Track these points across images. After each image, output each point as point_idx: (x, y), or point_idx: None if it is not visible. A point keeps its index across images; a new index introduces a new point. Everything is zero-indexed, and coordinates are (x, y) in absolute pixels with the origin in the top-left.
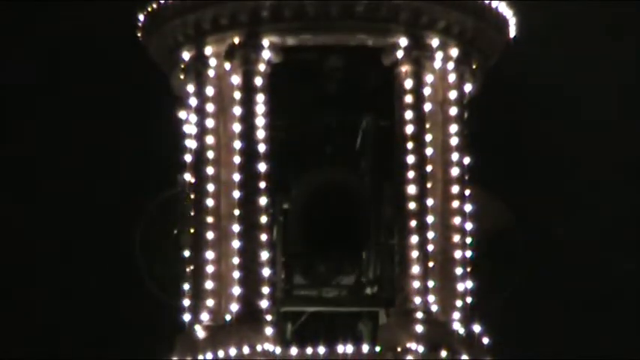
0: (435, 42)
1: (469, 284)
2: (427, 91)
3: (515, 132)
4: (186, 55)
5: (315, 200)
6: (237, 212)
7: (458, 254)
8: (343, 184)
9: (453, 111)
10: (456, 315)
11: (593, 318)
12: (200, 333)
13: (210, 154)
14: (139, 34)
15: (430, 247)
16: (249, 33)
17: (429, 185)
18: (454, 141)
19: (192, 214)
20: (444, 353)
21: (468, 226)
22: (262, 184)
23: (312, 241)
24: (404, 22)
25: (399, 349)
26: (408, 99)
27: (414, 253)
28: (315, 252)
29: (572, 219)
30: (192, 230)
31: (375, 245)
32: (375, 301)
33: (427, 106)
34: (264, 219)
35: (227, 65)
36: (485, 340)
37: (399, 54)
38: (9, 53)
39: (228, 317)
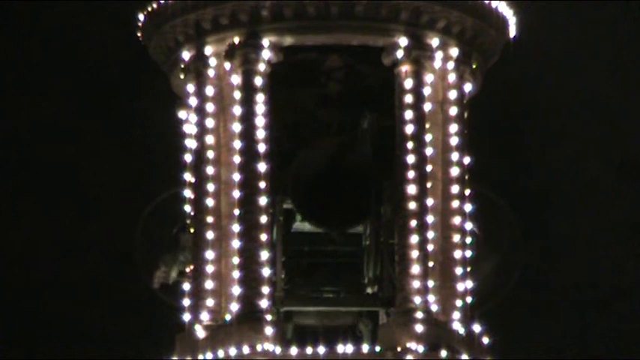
0: (435, 42)
1: (469, 284)
2: (427, 90)
3: (515, 132)
4: (186, 55)
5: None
6: (237, 212)
7: (458, 254)
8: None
9: (453, 111)
10: (456, 315)
11: (593, 318)
12: (200, 333)
13: (210, 154)
14: (139, 34)
15: (430, 247)
16: (249, 33)
17: (429, 185)
18: (454, 141)
19: (192, 213)
20: (443, 353)
21: (468, 226)
22: (262, 184)
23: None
24: (404, 22)
25: (399, 349)
26: (408, 99)
27: (414, 253)
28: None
29: (572, 219)
30: (192, 230)
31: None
32: (375, 301)
33: (427, 106)
34: (264, 219)
35: (227, 65)
36: (485, 340)
37: (399, 54)
38: (8, 52)
39: (228, 317)
